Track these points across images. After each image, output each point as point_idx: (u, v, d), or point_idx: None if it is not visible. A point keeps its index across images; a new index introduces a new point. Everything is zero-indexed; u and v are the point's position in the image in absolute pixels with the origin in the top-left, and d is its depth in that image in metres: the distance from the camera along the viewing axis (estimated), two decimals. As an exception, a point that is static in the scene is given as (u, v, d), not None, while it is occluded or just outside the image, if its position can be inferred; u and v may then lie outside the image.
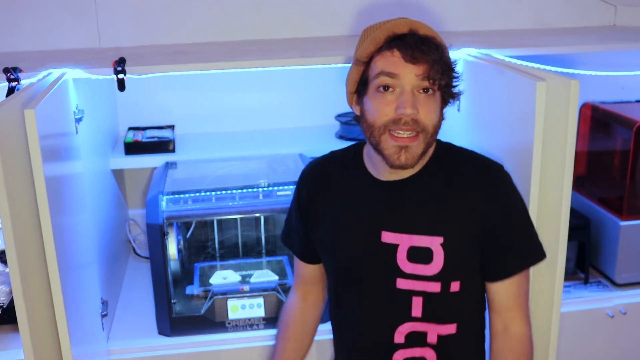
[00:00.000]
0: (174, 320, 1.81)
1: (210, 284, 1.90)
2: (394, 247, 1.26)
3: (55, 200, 1.31)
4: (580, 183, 2.17)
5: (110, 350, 1.77)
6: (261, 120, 2.35)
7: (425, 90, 1.19)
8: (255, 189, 1.90)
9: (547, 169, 1.40)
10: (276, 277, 1.92)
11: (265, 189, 1.90)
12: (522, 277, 1.28)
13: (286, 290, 1.89)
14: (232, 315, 1.83)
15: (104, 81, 1.63)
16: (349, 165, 1.35)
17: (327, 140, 2.22)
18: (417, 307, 1.27)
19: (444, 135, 1.42)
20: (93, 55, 1.90)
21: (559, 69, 1.77)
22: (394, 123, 1.18)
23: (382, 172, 1.28)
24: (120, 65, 1.55)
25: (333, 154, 1.42)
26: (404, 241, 1.25)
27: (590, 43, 1.91)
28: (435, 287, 1.25)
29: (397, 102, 1.17)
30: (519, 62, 1.61)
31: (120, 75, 1.55)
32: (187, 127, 2.32)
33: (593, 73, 2.01)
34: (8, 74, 1.45)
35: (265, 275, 1.93)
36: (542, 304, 1.46)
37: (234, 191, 1.89)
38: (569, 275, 2.06)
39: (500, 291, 1.28)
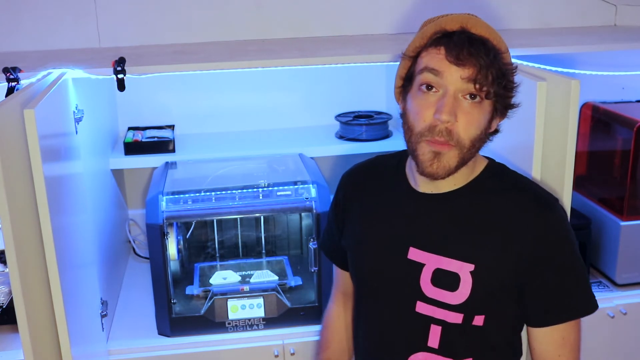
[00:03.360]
0: (174, 321, 1.81)
1: (210, 284, 1.90)
2: (419, 267, 1.16)
3: (54, 200, 1.31)
4: (580, 183, 2.17)
5: (110, 351, 1.77)
6: (261, 120, 2.35)
7: (472, 96, 1.08)
8: (255, 189, 1.90)
9: (548, 169, 1.40)
10: (276, 278, 1.92)
11: (265, 189, 1.90)
12: (568, 328, 1.15)
13: (286, 290, 1.90)
14: (232, 315, 1.83)
15: (103, 81, 1.63)
16: (390, 172, 1.27)
17: (327, 140, 2.22)
18: (434, 336, 1.17)
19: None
20: (93, 55, 1.90)
21: (559, 69, 1.77)
22: (430, 131, 1.09)
23: (419, 182, 1.20)
24: (120, 65, 1.55)
25: (378, 158, 1.36)
26: (431, 261, 1.15)
27: (590, 43, 1.91)
28: (456, 318, 1.15)
29: (437, 105, 1.08)
30: (519, 62, 1.61)
31: (120, 75, 1.55)
32: (187, 127, 2.32)
33: (593, 73, 2.01)
34: (8, 74, 1.45)
35: (265, 276, 1.93)
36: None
37: (234, 191, 1.88)
38: (569, 276, 2.05)
39: (542, 339, 1.16)
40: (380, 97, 2.38)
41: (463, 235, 1.15)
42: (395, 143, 2.19)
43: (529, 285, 1.13)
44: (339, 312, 1.45)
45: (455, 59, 1.06)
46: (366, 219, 1.27)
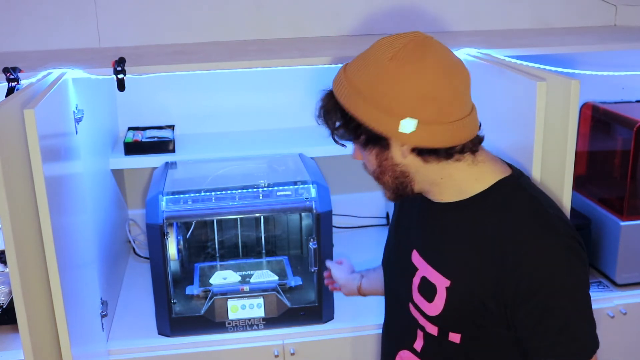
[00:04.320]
0: (174, 321, 1.81)
1: (210, 284, 1.90)
2: (414, 270, 1.17)
3: (55, 200, 1.31)
4: (580, 183, 2.17)
5: (110, 351, 1.77)
6: (261, 120, 2.35)
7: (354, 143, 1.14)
8: (255, 189, 1.90)
9: (548, 169, 1.40)
10: (276, 278, 1.92)
11: (265, 189, 1.90)
12: None
13: (286, 290, 1.90)
14: (232, 315, 1.83)
15: (103, 81, 1.63)
16: None
17: (327, 140, 2.20)
18: (419, 340, 1.19)
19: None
20: (93, 55, 1.90)
21: (559, 69, 1.77)
22: None
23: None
24: (120, 65, 1.55)
25: None
26: (422, 268, 1.16)
27: (590, 43, 1.91)
28: (432, 329, 1.15)
29: None
30: (519, 62, 1.61)
31: (120, 75, 1.55)
32: (187, 127, 2.32)
33: (593, 73, 2.01)
34: (8, 74, 1.45)
35: (265, 276, 1.93)
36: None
37: (234, 191, 1.89)
38: (569, 276, 2.05)
39: None
40: (380, 97, 2.37)
41: (448, 249, 1.13)
42: (395, 143, 2.19)
43: (514, 315, 1.07)
44: None
45: None
46: (395, 217, 1.33)
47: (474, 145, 1.10)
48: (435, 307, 1.13)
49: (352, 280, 1.61)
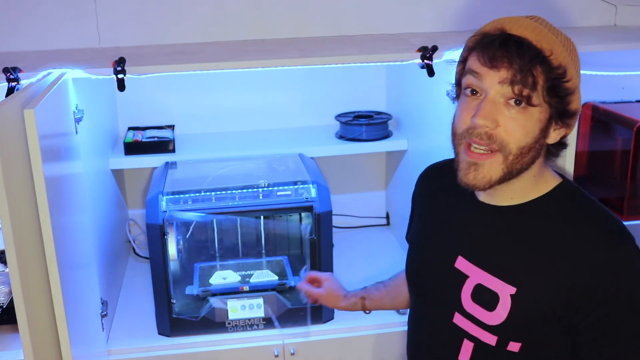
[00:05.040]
0: (174, 321, 1.81)
1: (210, 284, 1.90)
2: (463, 277, 1.12)
3: (55, 200, 1.31)
4: (580, 183, 2.16)
5: (110, 351, 1.77)
6: (261, 120, 2.35)
7: (517, 102, 1.00)
8: (255, 189, 1.90)
9: (548, 169, 1.40)
10: (276, 277, 1.92)
11: (265, 189, 1.90)
12: None
13: (286, 290, 1.89)
14: (232, 315, 1.82)
15: (103, 81, 1.63)
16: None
17: (327, 140, 2.22)
18: (466, 351, 1.13)
19: (445, 136, 1.43)
20: (93, 55, 1.90)
21: (559, 69, 1.77)
22: (469, 133, 1.04)
23: (482, 192, 1.14)
24: (120, 65, 1.55)
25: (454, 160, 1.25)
26: (475, 275, 1.11)
27: (590, 43, 1.91)
28: (490, 339, 1.09)
29: (476, 109, 1.03)
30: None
31: (120, 75, 1.55)
32: (187, 127, 2.32)
33: (593, 73, 2.01)
34: (8, 74, 1.45)
35: (265, 276, 1.93)
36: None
37: (234, 191, 1.88)
38: (569, 276, 2.05)
39: None
40: (380, 97, 2.38)
41: (511, 255, 1.08)
42: (395, 143, 2.19)
43: (580, 321, 1.03)
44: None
45: (489, 62, 1.01)
46: (427, 220, 1.25)
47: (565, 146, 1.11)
48: (498, 316, 1.08)
49: (344, 297, 1.53)
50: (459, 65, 1.11)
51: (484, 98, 1.02)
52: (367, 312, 1.51)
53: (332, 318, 1.88)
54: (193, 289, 1.88)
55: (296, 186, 1.91)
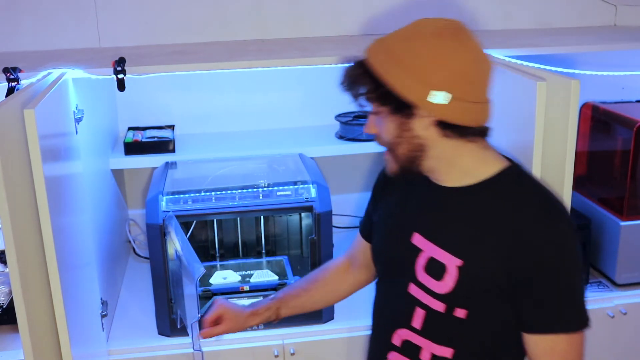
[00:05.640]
0: (174, 321, 1.81)
1: (210, 284, 1.90)
2: (418, 251, 1.22)
3: (55, 200, 1.31)
4: (580, 183, 2.17)
5: (110, 351, 1.77)
6: (261, 120, 2.35)
7: (374, 112, 1.19)
8: (255, 189, 1.90)
9: (548, 169, 1.40)
10: (276, 277, 1.92)
11: (265, 189, 1.90)
12: (558, 341, 1.16)
13: (286, 290, 1.90)
14: (232, 315, 1.82)
15: (104, 81, 1.63)
16: None
17: (327, 140, 2.22)
18: (418, 318, 1.23)
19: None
20: (93, 55, 1.90)
21: (559, 69, 1.77)
22: None
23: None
24: (120, 65, 1.55)
25: None
26: (428, 249, 1.21)
27: (590, 43, 1.91)
28: (439, 306, 1.20)
29: None
30: (519, 62, 1.61)
31: (120, 75, 1.55)
32: (187, 127, 2.32)
33: (593, 73, 2.01)
34: (8, 74, 1.45)
35: (265, 275, 1.93)
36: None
37: (234, 191, 1.89)
38: (569, 276, 2.05)
39: (531, 344, 1.18)
40: (380, 97, 2.37)
41: (459, 231, 1.18)
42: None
43: (521, 290, 1.14)
44: (339, 270, 1.53)
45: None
46: (391, 202, 1.34)
47: (486, 131, 1.18)
48: (445, 285, 1.18)
49: (250, 315, 1.49)
50: None
51: None
52: (276, 322, 1.54)
53: (332, 318, 1.88)
54: (193, 289, 1.88)
55: (296, 186, 1.91)
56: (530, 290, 1.13)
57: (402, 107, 1.13)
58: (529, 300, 1.14)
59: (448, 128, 1.13)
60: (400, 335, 1.27)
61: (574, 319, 1.16)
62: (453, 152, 1.16)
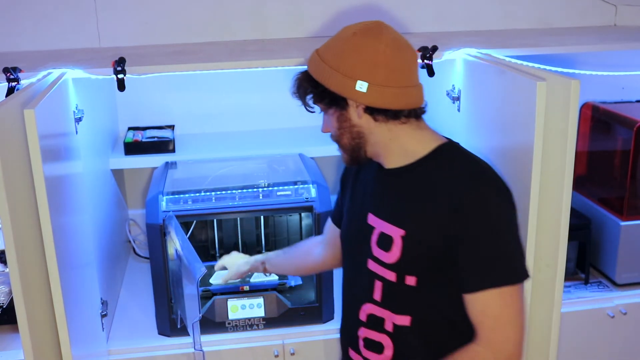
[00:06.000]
0: (174, 321, 1.81)
1: (210, 284, 1.90)
2: (371, 229, 1.34)
3: (55, 200, 1.31)
4: (580, 183, 2.17)
5: (110, 351, 1.77)
6: (261, 120, 2.35)
7: (322, 111, 1.35)
8: (255, 189, 1.90)
9: (547, 169, 1.40)
10: (276, 277, 1.92)
11: (265, 189, 1.90)
12: (491, 297, 1.22)
13: (286, 290, 1.90)
14: (232, 315, 1.83)
15: (103, 81, 1.63)
16: None
17: (327, 140, 2.20)
18: (377, 290, 1.33)
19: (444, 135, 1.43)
20: (93, 55, 1.90)
21: (559, 69, 1.77)
22: None
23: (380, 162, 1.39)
24: (120, 65, 1.55)
25: None
26: (378, 225, 1.32)
27: (590, 43, 1.91)
28: (391, 276, 1.30)
29: None
30: (519, 62, 1.61)
31: (120, 75, 1.55)
32: (187, 127, 2.32)
33: (593, 73, 2.01)
34: (8, 74, 1.45)
35: (265, 275, 1.93)
36: (542, 304, 1.46)
37: (234, 191, 1.89)
38: (570, 276, 2.06)
39: (468, 303, 1.25)
40: (380, 97, 2.37)
41: (400, 205, 1.30)
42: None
43: (455, 252, 1.23)
44: (312, 244, 1.70)
45: None
46: (354, 189, 1.46)
47: (417, 113, 1.30)
48: (393, 255, 1.29)
49: (246, 263, 1.77)
50: None
51: None
52: (267, 274, 1.82)
53: (332, 318, 1.88)
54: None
55: (296, 186, 1.91)
56: (462, 249, 1.22)
57: (336, 101, 1.29)
58: (462, 260, 1.23)
59: (377, 113, 1.27)
60: (365, 311, 1.36)
61: (504, 273, 1.22)
62: (389, 135, 1.30)
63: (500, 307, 1.22)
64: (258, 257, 1.75)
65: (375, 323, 1.34)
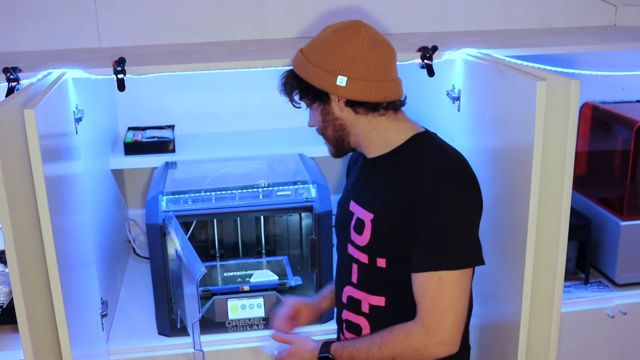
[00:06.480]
0: (174, 321, 1.81)
1: (210, 284, 1.90)
2: (352, 215, 1.42)
3: (55, 200, 1.31)
4: (580, 183, 2.17)
5: (110, 351, 1.77)
6: (261, 120, 2.35)
7: (308, 107, 1.42)
8: (255, 189, 1.90)
9: (547, 169, 1.40)
10: (276, 277, 1.92)
11: (265, 189, 1.90)
12: (428, 280, 1.28)
13: (286, 290, 1.90)
14: (232, 315, 1.83)
15: (103, 81, 1.63)
16: None
17: (327, 140, 2.22)
18: (354, 273, 1.42)
19: (444, 136, 1.43)
20: (93, 55, 1.90)
21: (559, 69, 1.77)
22: None
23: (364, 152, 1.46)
24: (120, 65, 1.55)
25: None
26: (356, 211, 1.41)
27: (590, 43, 1.91)
28: (364, 258, 1.39)
29: None
30: (519, 62, 1.61)
31: (120, 75, 1.55)
32: (187, 127, 2.32)
33: (593, 73, 2.01)
34: (8, 74, 1.45)
35: (265, 275, 1.93)
36: (542, 304, 1.46)
37: (234, 191, 1.89)
38: (570, 276, 2.06)
39: (413, 283, 1.32)
40: (380, 97, 2.37)
41: (372, 191, 1.40)
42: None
43: (414, 233, 1.30)
44: None
45: None
46: (348, 180, 1.57)
47: (396, 105, 1.38)
48: (365, 237, 1.38)
49: (315, 303, 1.66)
50: None
51: None
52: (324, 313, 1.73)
53: (332, 318, 1.88)
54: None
55: (296, 186, 1.91)
56: (412, 232, 1.29)
57: (319, 96, 1.37)
58: (412, 242, 1.30)
59: (357, 105, 1.34)
60: (345, 293, 1.46)
61: (444, 259, 1.28)
62: (369, 126, 1.37)
63: (438, 291, 1.28)
64: (318, 298, 1.66)
65: (354, 305, 1.43)
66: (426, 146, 1.38)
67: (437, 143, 1.39)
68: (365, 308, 1.41)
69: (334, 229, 1.59)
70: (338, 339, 1.54)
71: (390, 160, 1.38)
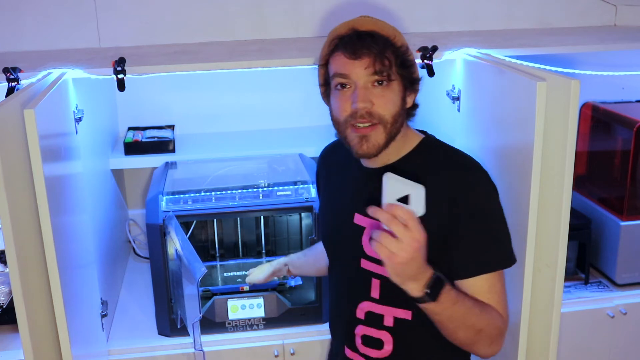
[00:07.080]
0: (174, 321, 1.81)
1: (211, 285, 1.90)
2: (361, 230, 1.35)
3: (55, 200, 1.31)
4: (580, 183, 2.17)
5: (110, 351, 1.77)
6: (261, 120, 2.35)
7: (380, 82, 1.27)
8: (255, 189, 1.90)
9: (547, 169, 1.40)
10: (276, 277, 1.92)
11: (265, 189, 1.90)
12: (490, 278, 1.28)
13: (286, 290, 1.90)
14: (232, 315, 1.83)
15: (103, 81, 1.63)
16: (349, 150, 1.39)
17: (327, 140, 2.20)
18: (375, 288, 1.35)
19: (444, 136, 1.43)
20: (93, 55, 1.90)
21: (559, 69, 1.77)
22: (352, 117, 1.27)
23: (365, 159, 1.38)
24: (120, 65, 1.55)
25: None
26: (368, 224, 1.34)
27: (590, 43, 1.91)
28: None
29: (352, 98, 1.27)
30: (519, 62, 1.61)
31: (120, 75, 1.55)
32: (187, 127, 2.32)
33: (593, 73, 2.01)
34: (8, 74, 1.45)
35: (290, 278, 1.93)
36: (542, 304, 1.46)
37: (234, 191, 1.89)
38: (569, 276, 2.06)
39: (470, 288, 1.28)
40: (380, 97, 2.37)
41: None
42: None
43: (449, 240, 1.26)
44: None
45: (353, 54, 1.26)
46: (329, 190, 1.49)
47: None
48: None
49: (269, 265, 1.79)
50: (321, 68, 1.37)
51: (355, 87, 1.27)
52: (292, 277, 1.84)
53: (332, 318, 1.88)
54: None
55: (296, 186, 1.91)
56: (461, 237, 1.25)
57: (414, 82, 1.32)
58: (459, 248, 1.26)
59: (412, 108, 1.33)
60: (362, 309, 1.37)
61: (501, 257, 1.28)
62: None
63: (501, 285, 1.29)
64: (281, 260, 1.78)
65: (374, 321, 1.36)
66: (439, 151, 1.36)
67: (447, 146, 1.37)
68: (388, 322, 1.36)
69: (324, 242, 1.52)
70: (341, 352, 1.46)
71: (402, 169, 1.29)
